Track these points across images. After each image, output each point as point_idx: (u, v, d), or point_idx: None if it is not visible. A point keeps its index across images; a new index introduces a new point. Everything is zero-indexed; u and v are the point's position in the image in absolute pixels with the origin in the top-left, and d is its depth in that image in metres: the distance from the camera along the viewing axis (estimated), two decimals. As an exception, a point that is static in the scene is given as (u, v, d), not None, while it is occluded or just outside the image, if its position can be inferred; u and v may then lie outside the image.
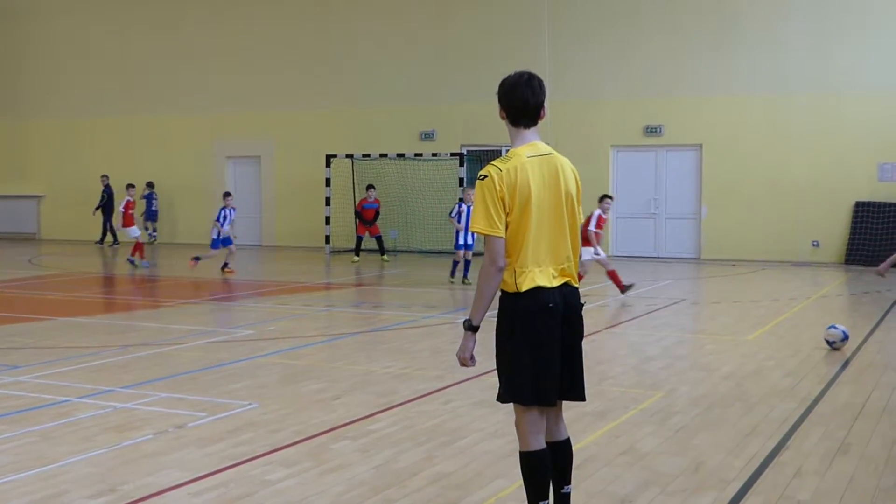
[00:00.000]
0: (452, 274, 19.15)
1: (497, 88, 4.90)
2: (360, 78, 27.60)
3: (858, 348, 11.40)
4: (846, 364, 10.40)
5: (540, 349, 4.75)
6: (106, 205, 29.24)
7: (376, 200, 23.96)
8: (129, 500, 5.81)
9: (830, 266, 22.50)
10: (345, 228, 27.14)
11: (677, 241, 23.92)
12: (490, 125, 24.17)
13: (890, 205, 22.66)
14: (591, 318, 14.27)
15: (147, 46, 30.64)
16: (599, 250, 16.33)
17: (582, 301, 4.99)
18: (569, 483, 5.09)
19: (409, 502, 5.85)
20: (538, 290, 4.74)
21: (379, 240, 24.26)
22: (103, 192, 29.42)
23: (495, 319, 4.93)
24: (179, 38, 30.13)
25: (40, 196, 32.25)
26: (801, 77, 23.30)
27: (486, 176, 4.74)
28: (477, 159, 25.77)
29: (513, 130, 4.91)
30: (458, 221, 18.69)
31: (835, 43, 23.10)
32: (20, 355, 10.80)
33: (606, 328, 13.34)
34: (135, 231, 22.60)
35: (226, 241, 20.37)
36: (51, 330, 12.82)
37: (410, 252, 26.35)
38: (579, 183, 4.97)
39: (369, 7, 27.63)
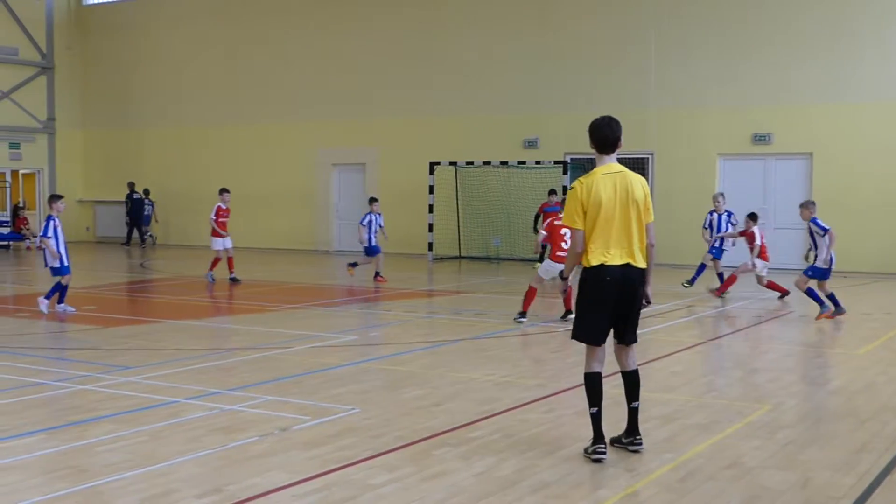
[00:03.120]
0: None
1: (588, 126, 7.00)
2: (464, 86, 27.69)
3: (977, 364, 11.00)
4: (964, 380, 10.03)
5: (595, 305, 6.88)
6: (132, 210, 32.25)
7: (557, 203, 22.86)
8: (234, 501, 5.93)
9: (947, 279, 21.73)
10: (448, 235, 27.25)
11: (787, 252, 23.27)
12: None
13: None
14: (693, 329, 14.07)
15: (255, 57, 31.28)
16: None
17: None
18: (636, 400, 7.07)
19: (509, 511, 5.83)
20: (600, 266, 6.81)
21: None
22: (127, 198, 32.40)
23: None
24: (286, 50, 30.65)
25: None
26: (916, 83, 22.59)
27: (573, 188, 6.94)
28: (581, 167, 25.56)
29: (598, 156, 7.03)
30: (711, 231, 18.87)
31: (953, 48, 22.34)
32: (132, 356, 11.11)
33: (711, 339, 13.13)
34: (217, 243, 20.15)
35: (375, 249, 20.19)
36: (160, 332, 13.15)
37: (513, 260, 26.31)
38: (647, 191, 6.97)
39: (474, 16, 27.69)
